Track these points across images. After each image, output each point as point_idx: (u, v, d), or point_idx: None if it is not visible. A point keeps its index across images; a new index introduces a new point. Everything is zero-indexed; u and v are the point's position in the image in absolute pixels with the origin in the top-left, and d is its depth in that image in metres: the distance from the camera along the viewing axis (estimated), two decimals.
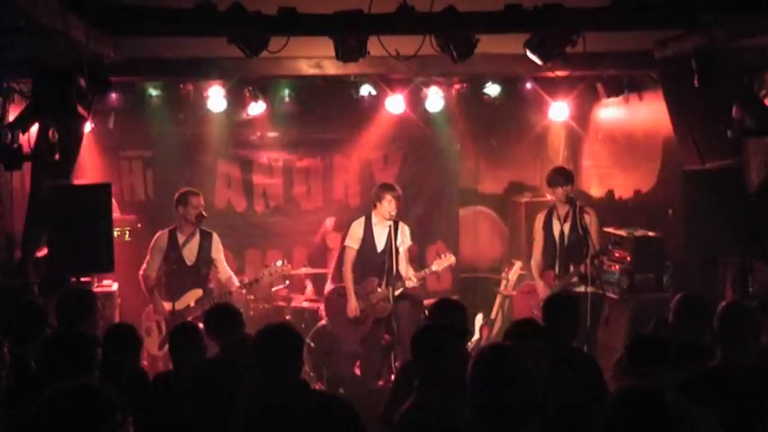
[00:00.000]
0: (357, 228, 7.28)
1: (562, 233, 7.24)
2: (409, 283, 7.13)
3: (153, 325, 6.96)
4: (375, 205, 7.16)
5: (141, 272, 7.09)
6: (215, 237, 7.17)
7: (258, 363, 3.48)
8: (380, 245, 7.13)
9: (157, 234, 7.16)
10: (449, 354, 3.58)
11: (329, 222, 8.97)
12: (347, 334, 7.27)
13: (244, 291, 7.10)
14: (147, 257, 7.11)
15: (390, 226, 7.05)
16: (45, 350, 3.77)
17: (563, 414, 3.71)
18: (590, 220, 7.16)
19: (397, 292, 7.08)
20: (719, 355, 3.98)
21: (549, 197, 7.47)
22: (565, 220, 7.24)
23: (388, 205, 7.03)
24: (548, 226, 7.33)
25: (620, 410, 2.48)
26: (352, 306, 7.14)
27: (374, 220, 7.22)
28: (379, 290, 7.09)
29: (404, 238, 7.23)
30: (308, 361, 7.48)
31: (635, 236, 7.49)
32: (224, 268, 7.19)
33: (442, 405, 3.40)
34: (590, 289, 6.72)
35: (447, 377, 3.48)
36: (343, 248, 7.44)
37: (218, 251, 7.16)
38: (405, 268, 7.21)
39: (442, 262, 7.28)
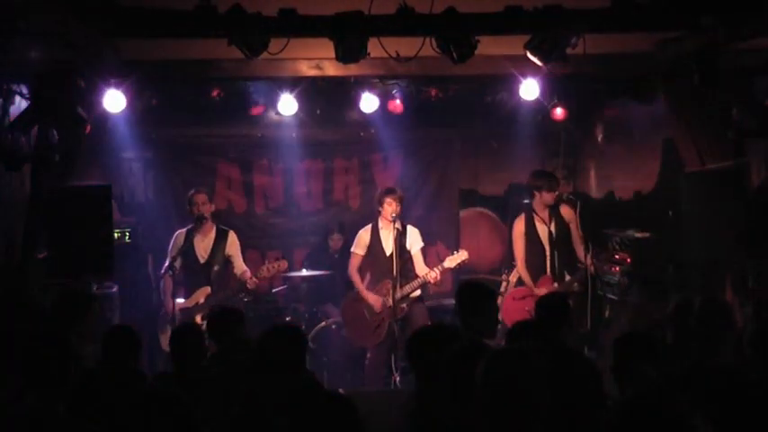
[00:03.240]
0: (364, 235, 7.35)
1: (551, 234, 7.16)
2: (431, 277, 7.03)
3: (167, 326, 6.93)
4: (379, 211, 7.20)
5: (162, 270, 7.08)
6: (231, 234, 7.23)
7: (264, 362, 3.49)
8: (389, 249, 7.14)
9: (176, 233, 7.18)
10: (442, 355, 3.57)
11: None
12: (364, 338, 7.29)
13: (256, 280, 7.06)
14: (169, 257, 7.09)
15: (397, 229, 7.08)
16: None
17: (563, 415, 3.70)
18: (568, 213, 7.13)
19: (414, 294, 7.10)
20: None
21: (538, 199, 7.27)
22: (550, 221, 7.20)
23: (389, 207, 7.10)
24: (531, 230, 7.21)
25: (625, 416, 2.49)
26: (374, 301, 7.14)
27: (380, 225, 7.27)
28: (393, 292, 7.02)
29: (413, 241, 7.26)
30: (309, 362, 7.46)
31: (635, 237, 7.48)
32: (240, 264, 7.23)
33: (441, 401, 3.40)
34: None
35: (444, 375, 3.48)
36: (350, 254, 7.47)
37: (233, 247, 7.20)
38: (421, 269, 7.20)
39: (454, 258, 7.16)
